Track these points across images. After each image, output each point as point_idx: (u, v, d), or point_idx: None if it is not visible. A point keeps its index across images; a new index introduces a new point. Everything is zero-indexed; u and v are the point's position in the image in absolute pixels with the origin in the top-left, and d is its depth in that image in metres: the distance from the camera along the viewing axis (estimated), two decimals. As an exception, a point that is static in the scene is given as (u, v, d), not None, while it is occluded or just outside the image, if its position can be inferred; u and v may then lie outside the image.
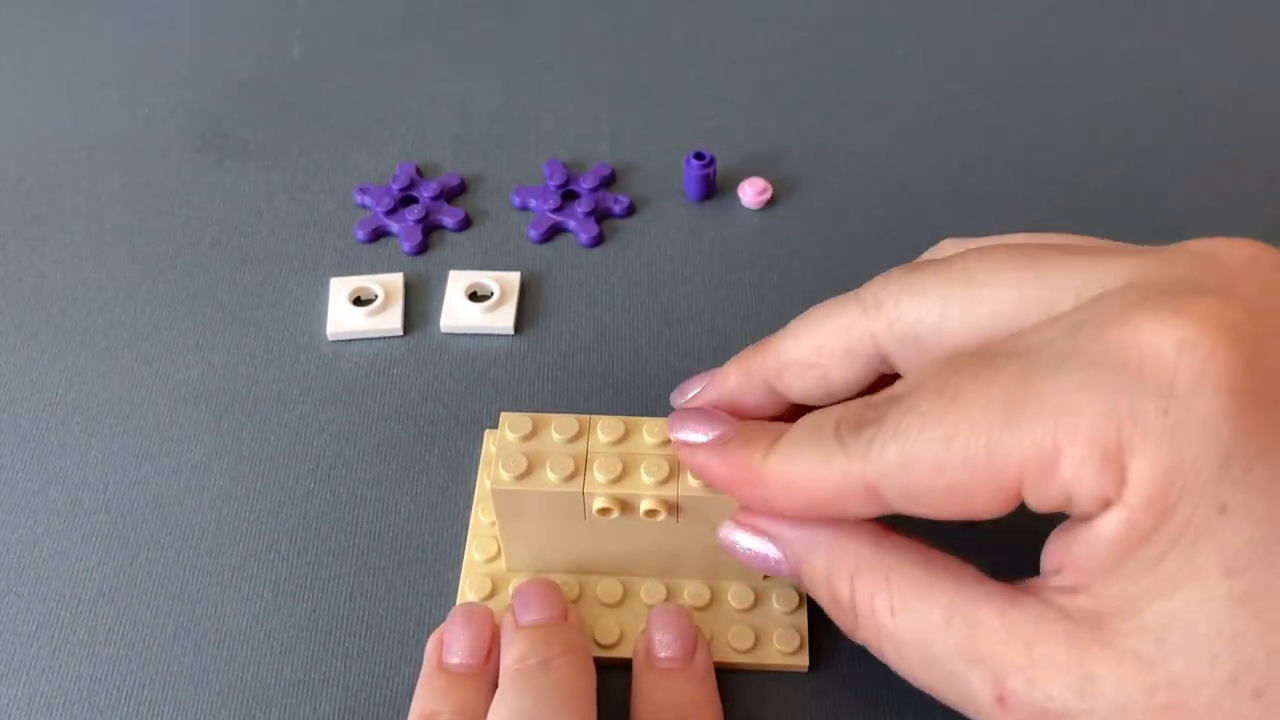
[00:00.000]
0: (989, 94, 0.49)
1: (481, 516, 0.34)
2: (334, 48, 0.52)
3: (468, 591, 0.33)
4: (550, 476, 0.29)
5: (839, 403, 0.26)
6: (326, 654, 0.32)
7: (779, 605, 0.32)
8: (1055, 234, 0.28)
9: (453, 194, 0.45)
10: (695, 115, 0.48)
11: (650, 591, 0.32)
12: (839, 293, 0.28)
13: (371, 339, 0.40)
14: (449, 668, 0.30)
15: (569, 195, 0.45)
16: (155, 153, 0.47)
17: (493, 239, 0.43)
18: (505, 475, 0.30)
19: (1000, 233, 0.29)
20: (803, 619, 0.32)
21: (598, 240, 0.43)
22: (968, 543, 0.26)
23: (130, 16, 0.54)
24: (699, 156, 0.44)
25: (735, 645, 0.31)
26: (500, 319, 0.40)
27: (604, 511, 0.29)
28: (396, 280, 0.41)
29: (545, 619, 0.30)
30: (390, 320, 0.40)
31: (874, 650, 0.25)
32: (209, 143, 0.47)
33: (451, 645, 0.30)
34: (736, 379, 0.29)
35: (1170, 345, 0.20)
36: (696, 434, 0.28)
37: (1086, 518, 0.22)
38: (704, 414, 0.28)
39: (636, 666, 0.31)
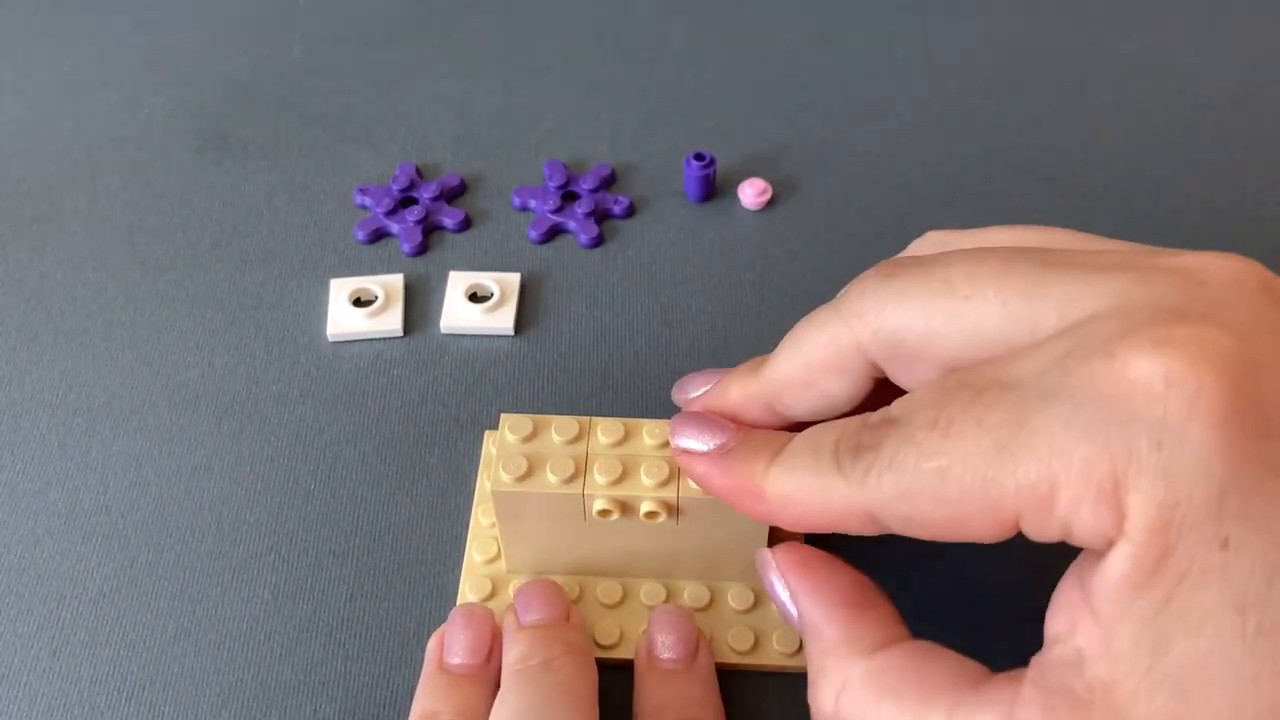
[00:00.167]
0: (989, 94, 0.49)
1: (482, 518, 0.34)
2: (334, 48, 0.52)
3: (468, 593, 0.33)
4: (550, 478, 0.29)
5: (842, 416, 0.26)
6: (327, 655, 0.32)
7: (779, 606, 0.32)
8: (1037, 228, 0.28)
9: (453, 194, 0.45)
10: (695, 115, 0.48)
11: (650, 593, 0.32)
12: (839, 293, 0.28)
13: (372, 340, 0.40)
14: (450, 668, 0.30)
15: (569, 196, 0.45)
16: (155, 153, 0.47)
17: (493, 240, 0.43)
18: (505, 477, 0.30)
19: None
20: (803, 620, 0.32)
21: (598, 241, 0.43)
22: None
23: (130, 16, 0.54)
24: (699, 157, 0.44)
25: (735, 646, 0.31)
26: (500, 320, 0.40)
27: (604, 513, 0.29)
28: (396, 281, 0.41)
29: (547, 619, 0.30)
30: (390, 321, 0.40)
31: None
32: (209, 143, 0.47)
33: (452, 646, 0.30)
34: (737, 397, 0.29)
35: (1159, 379, 0.20)
36: (698, 442, 0.27)
37: (1094, 555, 0.21)
38: (705, 421, 0.28)
39: (639, 667, 0.31)
